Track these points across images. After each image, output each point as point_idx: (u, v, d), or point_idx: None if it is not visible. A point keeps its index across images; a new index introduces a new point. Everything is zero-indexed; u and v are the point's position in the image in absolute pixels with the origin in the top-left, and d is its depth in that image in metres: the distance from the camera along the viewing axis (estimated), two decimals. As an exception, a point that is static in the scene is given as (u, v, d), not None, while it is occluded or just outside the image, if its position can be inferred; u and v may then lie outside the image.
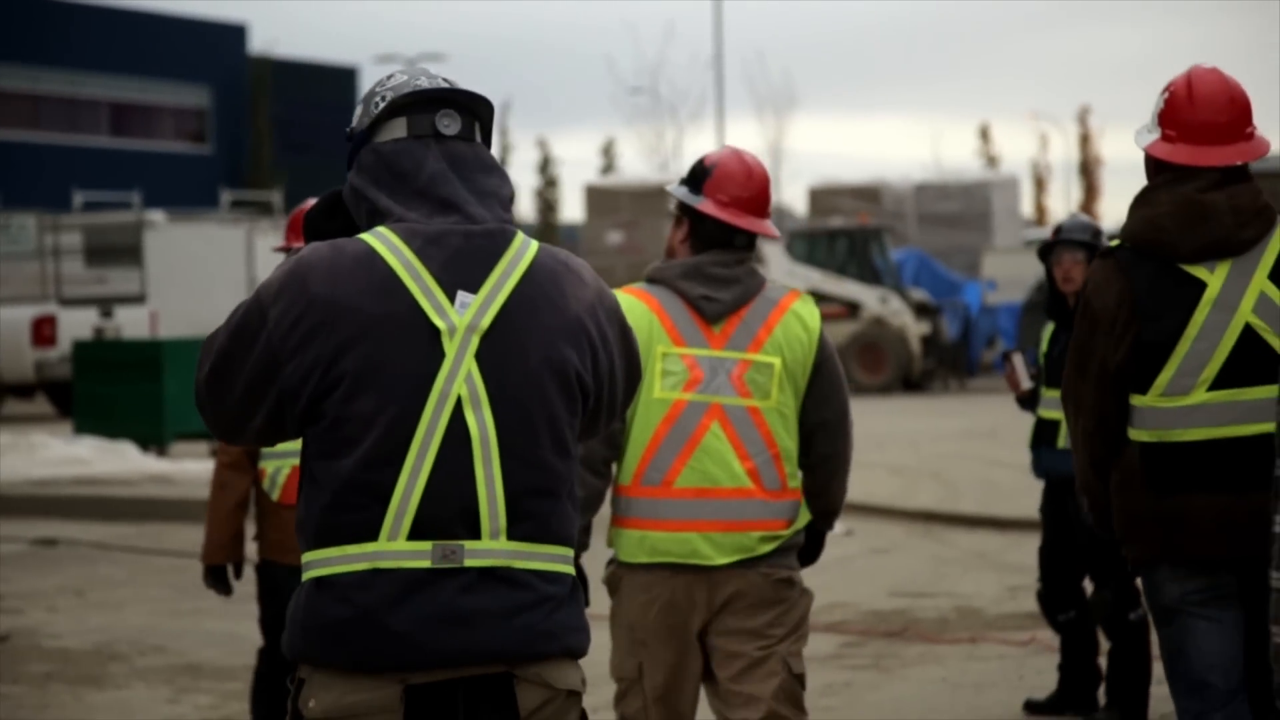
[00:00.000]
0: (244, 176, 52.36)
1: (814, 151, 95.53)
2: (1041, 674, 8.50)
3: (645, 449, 5.06)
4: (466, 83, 3.44)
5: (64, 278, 26.78)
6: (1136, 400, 4.78)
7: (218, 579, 6.38)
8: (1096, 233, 7.63)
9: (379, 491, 3.23)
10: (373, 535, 3.22)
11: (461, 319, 3.28)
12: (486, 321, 3.28)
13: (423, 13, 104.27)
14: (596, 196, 42.31)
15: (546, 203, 58.68)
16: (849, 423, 5.20)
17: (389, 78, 3.46)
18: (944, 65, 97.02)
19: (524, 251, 3.35)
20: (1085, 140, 62.90)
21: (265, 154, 52.56)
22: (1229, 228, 4.72)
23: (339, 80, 54.70)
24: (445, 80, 3.44)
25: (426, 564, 3.22)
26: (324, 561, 3.25)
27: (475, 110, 3.44)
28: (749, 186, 5.12)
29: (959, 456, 18.36)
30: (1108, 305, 4.75)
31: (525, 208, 59.31)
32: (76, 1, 51.22)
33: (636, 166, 56.42)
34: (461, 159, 3.39)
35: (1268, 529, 4.36)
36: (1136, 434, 4.78)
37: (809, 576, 5.45)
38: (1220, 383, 4.70)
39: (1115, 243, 4.85)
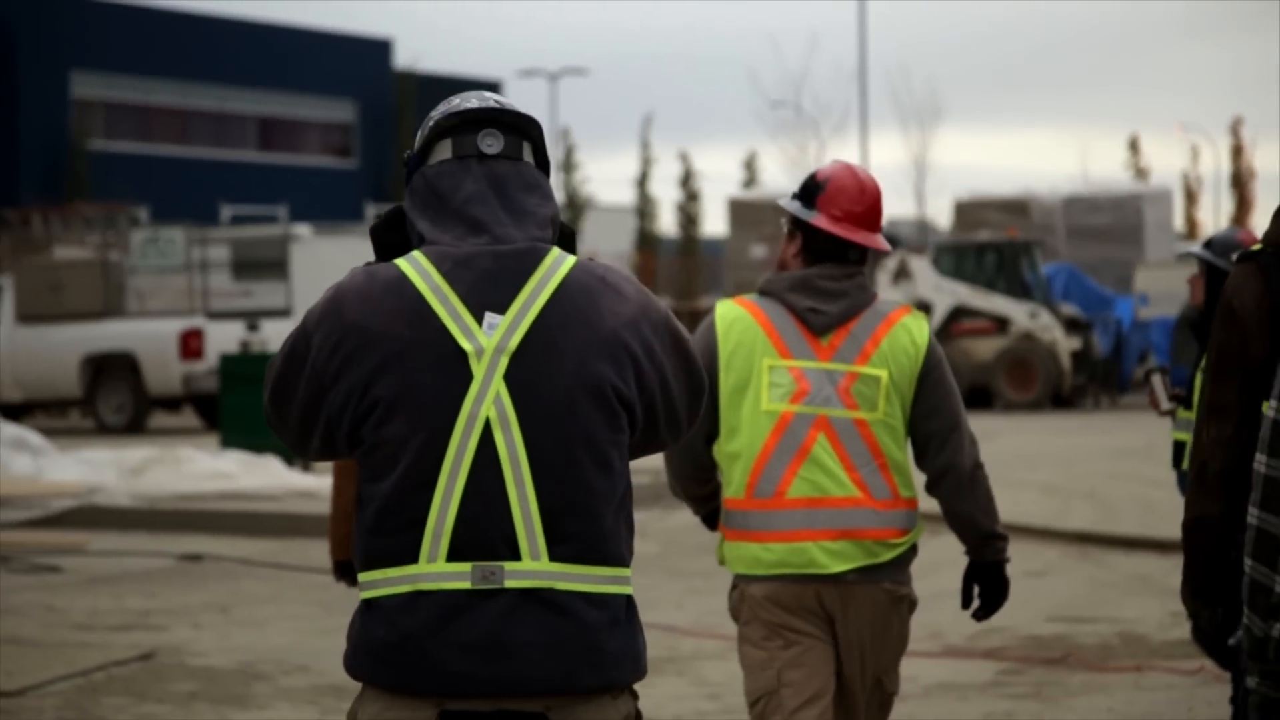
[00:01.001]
0: (389, 190, 52.79)
1: (958, 165, 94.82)
2: (1212, 705, 8.18)
3: (756, 461, 5.04)
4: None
5: (211, 291, 27.01)
6: (1265, 408, 4.63)
7: (345, 572, 6.63)
8: (1230, 249, 7.30)
9: (415, 515, 3.27)
10: (413, 558, 3.27)
11: (489, 340, 3.30)
12: (514, 342, 3.30)
13: (565, 27, 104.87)
14: (740, 210, 42.16)
15: (688, 216, 58.49)
16: (962, 435, 5.10)
17: (445, 103, 3.49)
18: (1091, 76, 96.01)
19: (555, 269, 3.36)
20: (1238, 152, 61.77)
21: (409, 168, 52.95)
22: None
23: (482, 95, 55.03)
24: (496, 101, 3.46)
25: (466, 585, 3.25)
26: (371, 584, 3.31)
27: (524, 130, 3.46)
28: (861, 201, 5.12)
29: (1114, 476, 17.93)
30: (1246, 306, 4.59)
31: (667, 222, 59.27)
32: (225, 18, 51.88)
33: (779, 180, 56.20)
34: (503, 178, 3.41)
35: None
36: None
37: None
38: None
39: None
